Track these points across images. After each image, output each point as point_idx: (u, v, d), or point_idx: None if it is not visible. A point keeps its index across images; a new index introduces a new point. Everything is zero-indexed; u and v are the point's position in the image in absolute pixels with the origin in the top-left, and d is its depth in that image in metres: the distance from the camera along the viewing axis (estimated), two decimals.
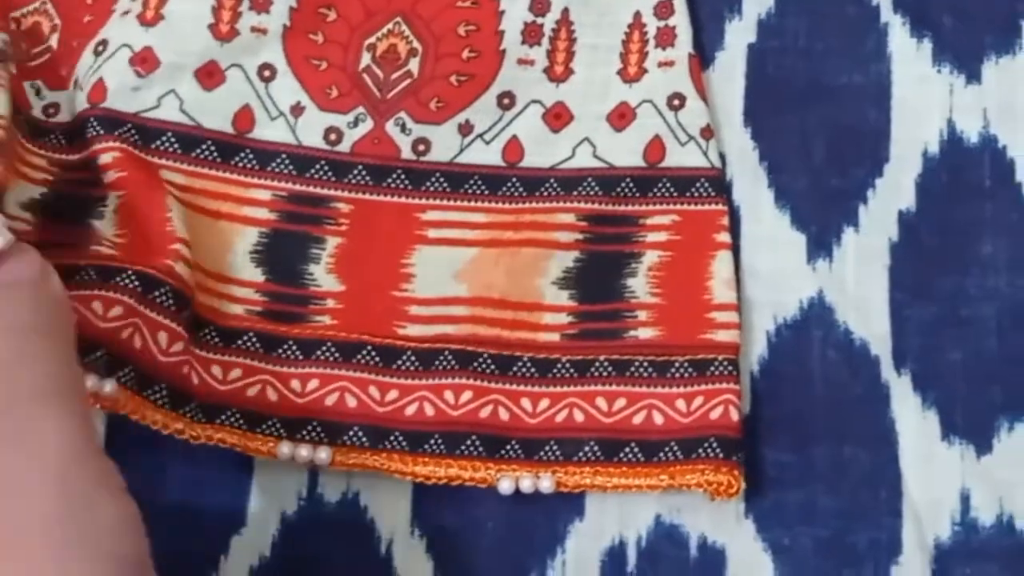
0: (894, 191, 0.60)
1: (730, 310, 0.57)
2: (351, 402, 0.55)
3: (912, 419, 0.57)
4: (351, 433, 0.54)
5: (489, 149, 0.60)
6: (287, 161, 0.58)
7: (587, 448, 0.55)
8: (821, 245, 0.60)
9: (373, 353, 0.56)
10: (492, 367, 0.56)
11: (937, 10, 0.63)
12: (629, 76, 0.62)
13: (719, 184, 0.59)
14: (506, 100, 0.61)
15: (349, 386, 0.55)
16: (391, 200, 0.59)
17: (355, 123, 0.59)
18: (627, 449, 0.55)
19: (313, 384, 0.55)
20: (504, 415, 0.55)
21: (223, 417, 0.53)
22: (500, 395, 0.55)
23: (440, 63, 0.61)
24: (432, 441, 0.54)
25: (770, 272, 0.60)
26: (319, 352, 0.55)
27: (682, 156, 0.60)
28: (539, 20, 0.62)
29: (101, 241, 0.54)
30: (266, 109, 0.59)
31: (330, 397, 0.55)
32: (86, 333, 0.50)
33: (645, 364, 0.56)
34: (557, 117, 0.61)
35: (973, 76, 0.62)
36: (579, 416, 0.55)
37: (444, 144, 0.60)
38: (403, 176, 0.59)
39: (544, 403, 0.56)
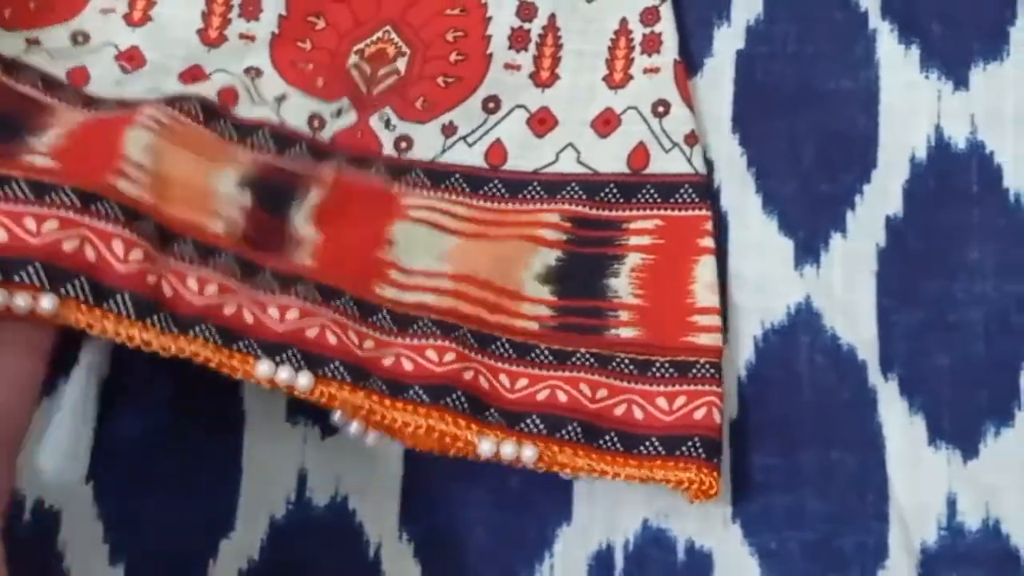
0: (882, 197, 0.61)
1: (713, 314, 0.57)
2: (331, 339, 0.52)
3: (899, 424, 0.57)
4: (332, 366, 0.51)
5: (471, 151, 0.60)
6: (268, 135, 0.57)
7: (570, 427, 0.54)
8: (808, 250, 0.60)
9: (351, 302, 0.53)
10: (471, 340, 0.55)
11: (925, 16, 0.63)
12: (615, 82, 0.62)
13: (703, 190, 0.59)
14: (491, 104, 0.61)
15: (330, 324, 0.52)
16: (373, 180, 0.58)
17: (338, 113, 0.59)
18: (608, 437, 0.54)
19: (293, 315, 0.52)
20: (484, 383, 0.54)
21: (197, 329, 0.49)
22: (480, 366, 0.54)
23: (428, 65, 0.61)
24: (413, 391, 0.52)
25: (757, 277, 0.60)
26: (298, 287, 0.52)
27: (666, 163, 0.60)
28: (526, 25, 0.63)
29: (35, 151, 0.51)
30: (251, 96, 0.59)
31: (311, 330, 0.52)
32: (16, 250, 0.46)
33: (627, 361, 0.56)
34: (541, 122, 0.61)
35: (961, 82, 0.62)
36: (563, 397, 0.54)
37: (427, 143, 0.60)
38: (383, 168, 0.58)
39: (523, 382, 0.55)
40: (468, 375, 0.54)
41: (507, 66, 0.62)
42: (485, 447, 0.52)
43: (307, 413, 0.57)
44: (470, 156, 0.60)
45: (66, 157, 0.51)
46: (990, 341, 0.58)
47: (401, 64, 0.61)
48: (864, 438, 0.57)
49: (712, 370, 0.56)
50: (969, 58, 0.62)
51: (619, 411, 0.55)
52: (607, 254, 0.59)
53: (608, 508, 0.56)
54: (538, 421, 0.54)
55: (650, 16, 0.62)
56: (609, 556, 0.56)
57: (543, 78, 0.62)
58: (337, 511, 0.57)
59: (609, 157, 0.60)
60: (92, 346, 0.58)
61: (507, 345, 0.56)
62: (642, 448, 0.54)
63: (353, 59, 0.61)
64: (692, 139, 0.60)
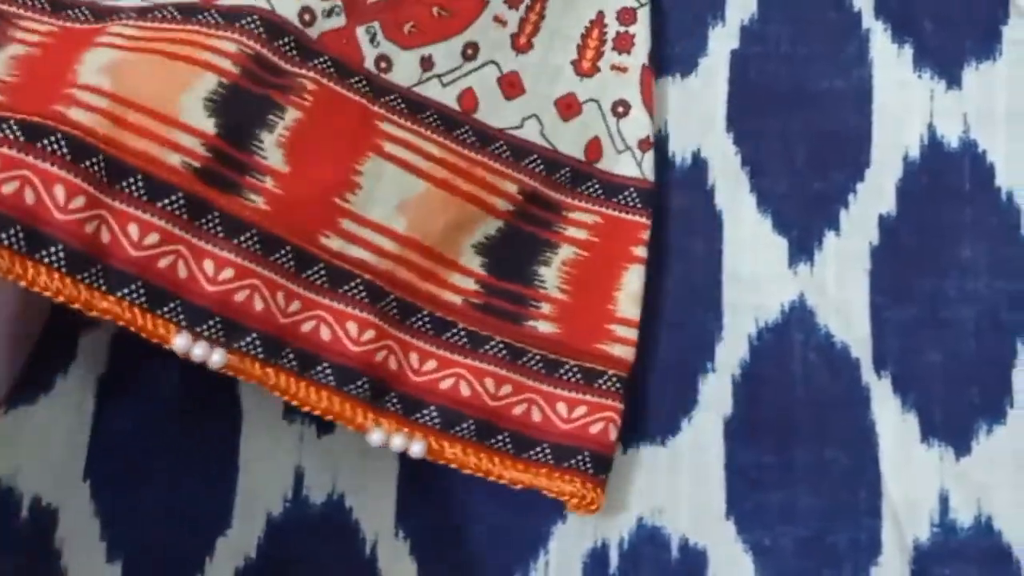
0: (875, 195, 0.61)
1: (631, 326, 0.57)
2: (258, 304, 0.51)
3: (892, 421, 0.58)
4: (249, 339, 0.51)
5: (445, 91, 0.59)
6: (258, 22, 0.54)
7: (466, 424, 0.54)
8: (802, 249, 0.60)
9: (290, 255, 0.53)
10: (395, 311, 0.55)
11: (918, 16, 0.63)
12: (582, 70, 0.62)
13: (648, 197, 0.60)
14: (470, 51, 0.60)
15: (260, 287, 0.52)
16: (354, 98, 0.56)
17: (329, 13, 0.56)
18: (500, 437, 0.55)
19: (227, 274, 0.51)
20: (393, 364, 0.54)
21: (126, 290, 0.49)
22: (394, 343, 0.54)
23: None
24: (321, 368, 0.53)
25: (752, 276, 0.60)
26: (242, 238, 0.51)
27: (615, 163, 0.60)
28: None
29: None
30: None
31: (240, 294, 0.51)
32: None
33: (537, 358, 0.56)
34: (511, 85, 0.60)
35: (953, 82, 0.62)
36: (465, 390, 0.55)
37: (405, 70, 0.58)
38: (365, 82, 0.56)
39: (431, 364, 0.55)
40: (380, 356, 0.54)
41: (496, 19, 0.61)
42: (375, 437, 0.53)
43: (304, 411, 0.57)
44: (444, 95, 0.59)
45: (15, 85, 0.49)
46: (982, 338, 0.59)
47: None
48: (857, 435, 0.58)
49: (618, 384, 0.56)
50: (962, 57, 0.63)
51: (518, 411, 0.55)
52: (543, 237, 0.59)
53: (603, 505, 0.57)
54: (435, 414, 0.54)
55: (627, 16, 0.62)
56: (604, 553, 0.57)
57: (521, 43, 0.61)
58: (334, 508, 0.57)
59: (569, 140, 0.60)
60: (89, 343, 0.59)
61: (427, 320, 0.55)
62: (532, 453, 0.55)
63: None
64: (646, 145, 0.60)
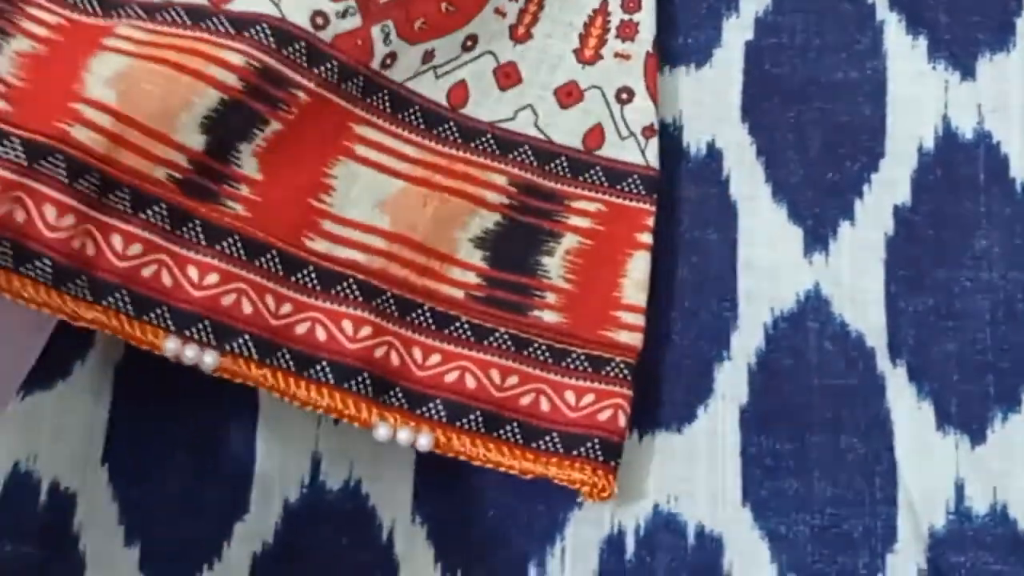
0: (890, 186, 0.61)
1: (637, 312, 0.57)
2: (247, 307, 0.52)
3: (907, 409, 0.58)
4: (241, 341, 0.52)
5: (437, 84, 0.59)
6: (267, 30, 0.53)
7: (472, 415, 0.55)
8: (818, 238, 0.61)
9: (276, 259, 0.53)
10: (393, 308, 0.55)
11: (932, 8, 0.64)
12: (584, 58, 0.62)
13: (652, 183, 0.60)
14: (469, 42, 0.60)
15: (247, 290, 0.52)
16: (339, 103, 0.56)
17: (344, 14, 0.56)
18: (509, 427, 0.55)
19: (212, 279, 0.52)
20: (395, 360, 0.54)
21: (111, 299, 0.50)
22: (395, 338, 0.54)
23: None
24: (319, 366, 0.53)
25: (767, 265, 0.60)
26: (224, 243, 0.52)
27: (619, 150, 0.60)
28: None
29: None
30: None
31: (227, 297, 0.52)
32: None
33: (543, 347, 0.56)
34: (507, 76, 0.60)
35: (968, 73, 0.63)
36: (471, 382, 0.55)
37: (407, 64, 0.58)
38: (360, 84, 0.56)
39: (435, 358, 0.55)
40: (380, 352, 0.54)
41: (497, 10, 0.61)
42: (381, 432, 0.53)
43: None
44: (434, 89, 0.59)
45: (22, 92, 0.50)
46: (996, 328, 0.59)
47: None
48: (873, 424, 0.58)
49: (626, 371, 0.56)
50: (976, 49, 0.63)
51: (526, 400, 0.56)
52: (545, 227, 0.59)
53: (619, 491, 0.57)
54: (440, 407, 0.54)
55: (631, 3, 0.63)
56: (620, 540, 0.57)
57: (519, 33, 0.61)
58: (350, 494, 0.57)
59: (565, 130, 0.60)
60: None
61: (428, 315, 0.56)
62: (541, 443, 0.55)
63: None
64: (650, 132, 0.60)
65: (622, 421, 0.55)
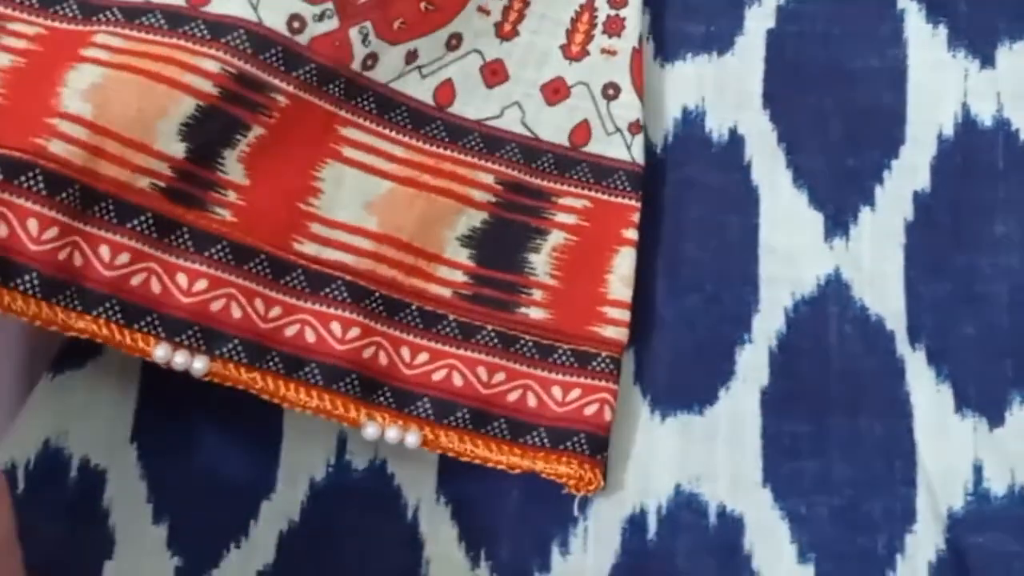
0: (910, 172, 0.62)
1: (622, 307, 0.58)
2: (236, 312, 0.53)
3: (926, 392, 0.58)
4: (231, 346, 0.52)
5: (423, 84, 0.59)
6: (244, 36, 0.53)
7: (460, 413, 0.55)
8: (838, 224, 0.61)
9: (265, 263, 0.54)
10: (381, 308, 0.55)
11: None
12: (571, 54, 0.62)
13: (637, 180, 0.60)
14: (453, 41, 0.60)
15: (237, 295, 0.53)
16: (323, 106, 0.56)
17: (320, 17, 0.56)
18: (496, 423, 0.56)
19: (201, 285, 0.52)
20: (383, 360, 0.55)
21: (101, 308, 0.50)
22: (383, 339, 0.55)
23: None
24: (308, 368, 0.54)
25: (788, 249, 0.61)
26: (213, 250, 0.53)
27: (605, 146, 0.61)
28: None
29: None
30: None
31: (216, 303, 0.52)
32: None
33: (530, 344, 0.57)
34: (494, 73, 0.61)
35: (987, 61, 0.63)
36: (458, 380, 0.56)
37: (389, 65, 0.58)
38: (343, 85, 0.57)
39: (423, 356, 0.56)
40: (368, 352, 0.54)
41: (480, 9, 0.61)
42: (369, 431, 0.54)
43: None
44: (421, 89, 0.59)
45: (1, 110, 0.50)
46: (1015, 313, 0.60)
47: None
48: (892, 406, 0.58)
49: (612, 365, 0.57)
50: (995, 37, 0.64)
51: (513, 397, 0.56)
52: (532, 225, 0.59)
53: (641, 472, 0.57)
54: (428, 405, 0.55)
55: None
56: (642, 519, 0.57)
57: (505, 31, 0.62)
58: (376, 474, 0.58)
59: (552, 126, 0.61)
60: None
61: (416, 314, 0.56)
62: (528, 438, 0.56)
63: None
64: (636, 128, 0.61)
65: (608, 415, 0.56)
